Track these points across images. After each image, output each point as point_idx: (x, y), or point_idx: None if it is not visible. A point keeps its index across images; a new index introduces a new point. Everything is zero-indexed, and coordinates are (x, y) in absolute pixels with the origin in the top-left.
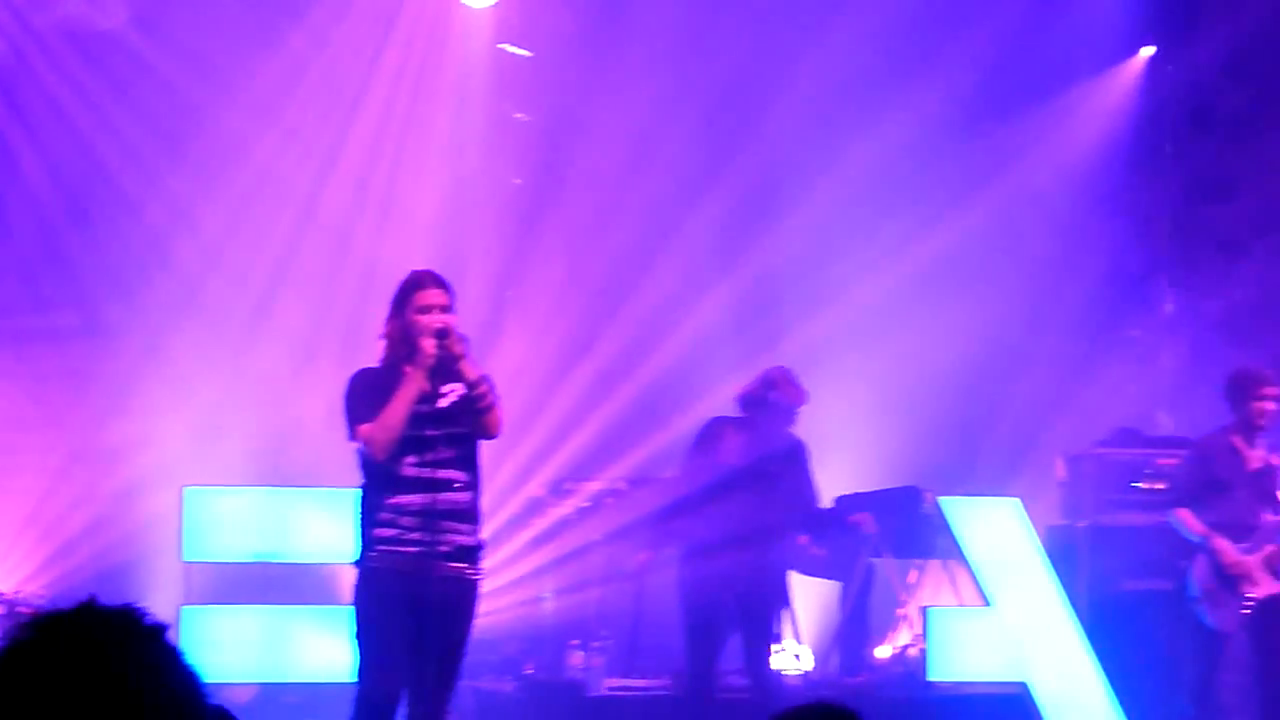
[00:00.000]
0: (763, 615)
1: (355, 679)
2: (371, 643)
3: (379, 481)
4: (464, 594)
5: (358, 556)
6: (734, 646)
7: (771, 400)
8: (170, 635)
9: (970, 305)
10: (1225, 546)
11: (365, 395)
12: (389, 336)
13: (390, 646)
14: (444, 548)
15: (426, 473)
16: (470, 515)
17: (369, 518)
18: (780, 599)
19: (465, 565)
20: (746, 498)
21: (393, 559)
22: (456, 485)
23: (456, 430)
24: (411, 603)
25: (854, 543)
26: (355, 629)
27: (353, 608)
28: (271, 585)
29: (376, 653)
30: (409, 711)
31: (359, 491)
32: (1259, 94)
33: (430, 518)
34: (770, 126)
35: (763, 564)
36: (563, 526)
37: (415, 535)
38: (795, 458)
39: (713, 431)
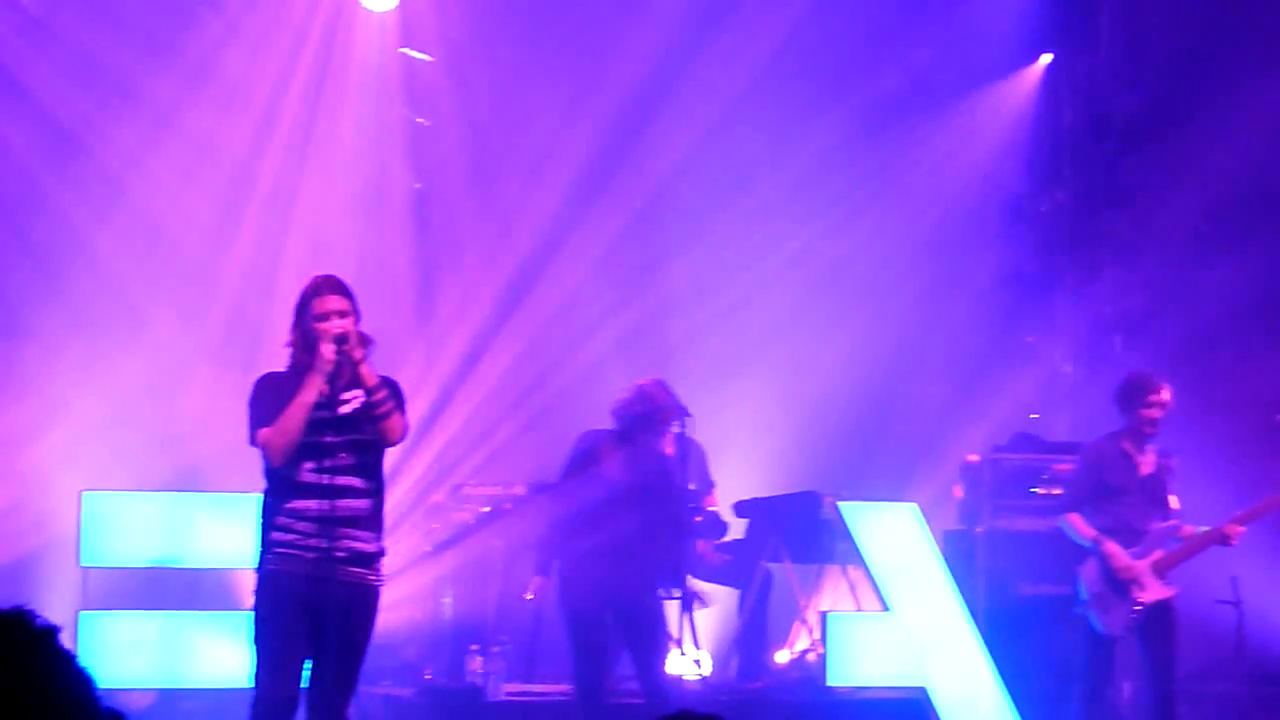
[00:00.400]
0: (648, 625)
1: (252, 683)
2: (269, 646)
3: (279, 486)
4: (363, 599)
5: (257, 561)
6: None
7: (647, 413)
8: (62, 638)
9: (869, 311)
10: (1115, 551)
11: (267, 399)
12: (293, 344)
13: (287, 650)
14: (341, 554)
15: (325, 479)
16: (370, 522)
17: (268, 522)
18: (661, 612)
19: (365, 571)
20: (627, 512)
21: (290, 563)
22: (356, 492)
23: (358, 437)
24: (309, 607)
25: (751, 548)
26: (253, 633)
27: (252, 612)
28: (170, 590)
29: (274, 656)
30: (307, 717)
31: (260, 496)
32: (1155, 101)
33: (328, 524)
34: (668, 133)
35: (645, 575)
36: (462, 531)
37: (313, 541)
38: (672, 468)
39: (590, 446)
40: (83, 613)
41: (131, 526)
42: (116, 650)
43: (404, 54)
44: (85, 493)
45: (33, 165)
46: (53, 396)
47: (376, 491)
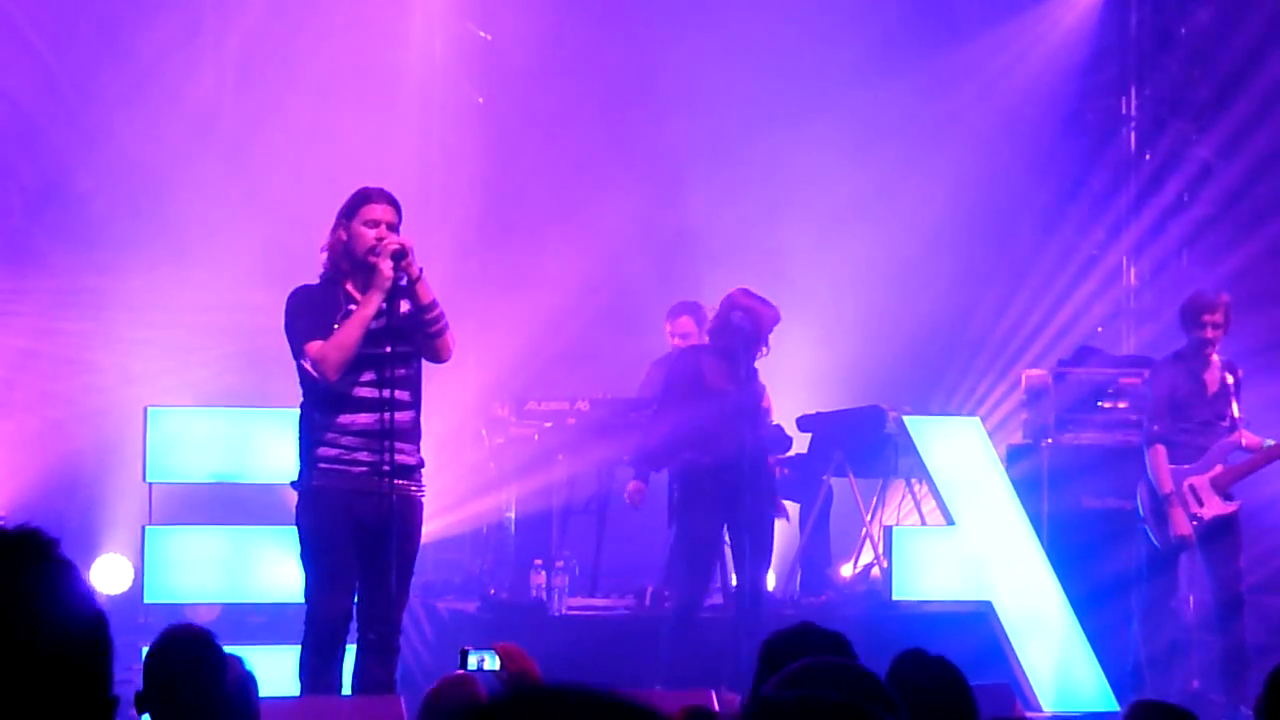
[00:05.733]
0: (761, 539)
1: (305, 600)
2: (320, 563)
3: (325, 400)
4: (410, 511)
5: (300, 477)
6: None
7: (736, 323)
8: (58, 551)
9: (932, 224)
10: (1180, 518)
11: (309, 312)
12: (331, 249)
13: (339, 566)
14: (388, 466)
15: (374, 392)
16: (413, 434)
17: (313, 437)
18: (773, 525)
19: (409, 483)
20: (739, 428)
21: (338, 478)
22: (402, 404)
23: (403, 349)
24: (358, 522)
25: (814, 463)
26: (302, 550)
27: (298, 529)
28: (235, 506)
29: (326, 573)
30: (361, 634)
31: (299, 410)
32: (1223, 12)
33: (376, 437)
34: (729, 44)
35: (762, 489)
36: (525, 446)
37: (361, 455)
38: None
39: (691, 361)
40: (148, 528)
41: (196, 442)
42: (181, 565)
43: None
44: (150, 408)
45: (141, 89)
46: (124, 315)
47: (418, 404)
